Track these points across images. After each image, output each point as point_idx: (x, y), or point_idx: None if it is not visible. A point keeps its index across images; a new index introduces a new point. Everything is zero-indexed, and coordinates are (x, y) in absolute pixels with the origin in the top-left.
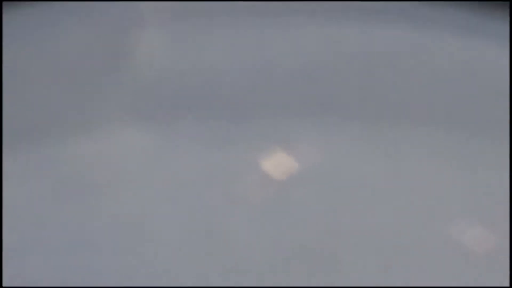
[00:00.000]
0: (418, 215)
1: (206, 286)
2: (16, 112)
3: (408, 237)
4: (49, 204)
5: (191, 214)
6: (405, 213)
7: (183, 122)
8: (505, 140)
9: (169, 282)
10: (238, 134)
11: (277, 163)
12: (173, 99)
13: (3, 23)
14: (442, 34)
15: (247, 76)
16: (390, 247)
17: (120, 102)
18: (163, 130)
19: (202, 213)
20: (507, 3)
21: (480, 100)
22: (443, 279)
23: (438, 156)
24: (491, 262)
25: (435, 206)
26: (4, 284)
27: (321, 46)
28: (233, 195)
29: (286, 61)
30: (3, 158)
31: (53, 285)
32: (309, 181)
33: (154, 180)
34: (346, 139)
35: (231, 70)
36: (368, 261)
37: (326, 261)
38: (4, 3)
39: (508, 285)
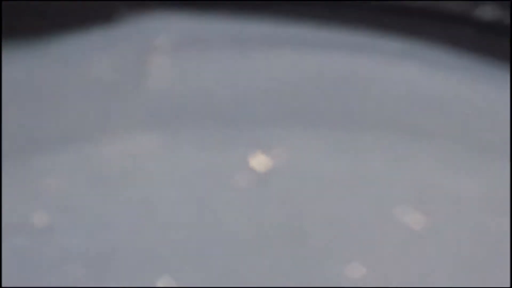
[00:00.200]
0: (372, 202)
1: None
2: (53, 120)
3: (363, 217)
4: (82, 193)
5: (193, 199)
6: (362, 200)
7: (187, 130)
8: (446, 142)
9: (173, 249)
10: (230, 139)
11: (260, 161)
12: (178, 112)
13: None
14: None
15: (237, 94)
16: (349, 224)
17: (138, 114)
18: (172, 135)
19: (201, 197)
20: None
21: (426, 110)
22: (389, 247)
23: (389, 156)
24: (425, 236)
25: (384, 195)
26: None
27: (299, 70)
28: (225, 185)
29: (268, 83)
30: (45, 157)
31: (83, 256)
32: (285, 175)
33: (164, 174)
34: (316, 143)
35: (224, 90)
36: (331, 234)
37: (297, 232)
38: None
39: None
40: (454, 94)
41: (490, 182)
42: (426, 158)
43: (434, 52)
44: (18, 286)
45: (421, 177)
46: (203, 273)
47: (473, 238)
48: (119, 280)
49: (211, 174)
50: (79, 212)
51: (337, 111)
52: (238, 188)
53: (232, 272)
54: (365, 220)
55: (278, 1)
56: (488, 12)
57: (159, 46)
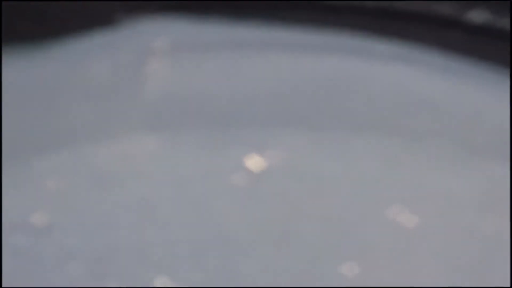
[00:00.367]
0: (366, 202)
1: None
2: (53, 121)
3: (357, 217)
4: (81, 193)
5: (190, 199)
6: (356, 200)
7: (184, 131)
8: (438, 143)
9: (171, 249)
10: (226, 141)
11: (256, 162)
12: (176, 114)
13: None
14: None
15: (233, 96)
16: (343, 224)
17: (136, 116)
18: (169, 137)
19: (198, 198)
20: None
21: (418, 112)
22: (383, 247)
23: (382, 158)
24: (419, 236)
25: (378, 195)
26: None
27: (293, 73)
28: (222, 185)
29: (264, 85)
30: (45, 158)
31: (82, 256)
32: (281, 176)
33: (161, 175)
34: (310, 144)
35: (221, 92)
36: (325, 234)
37: (293, 233)
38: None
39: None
40: (445, 96)
41: (482, 183)
42: (418, 159)
43: (426, 55)
44: (17, 286)
45: (414, 178)
46: (200, 272)
47: (466, 238)
48: (118, 279)
49: (208, 175)
50: (78, 213)
51: (330, 113)
52: (235, 189)
53: (228, 272)
54: (359, 220)
55: (273, 5)
56: (478, 16)
57: (157, 49)
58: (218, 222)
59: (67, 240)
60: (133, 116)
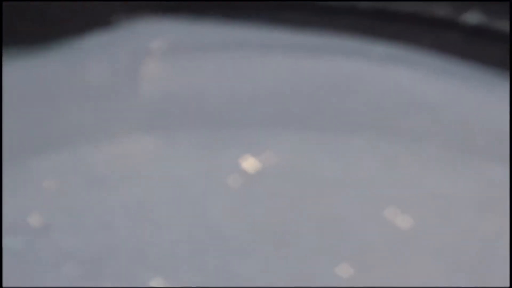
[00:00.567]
0: (362, 203)
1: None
2: (51, 122)
3: (353, 218)
4: (79, 194)
5: (186, 200)
6: (352, 201)
7: (181, 132)
8: (434, 144)
9: (168, 250)
10: (222, 142)
11: (252, 164)
12: (173, 115)
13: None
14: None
15: (229, 97)
16: (339, 225)
17: (134, 116)
18: (167, 138)
19: (194, 198)
20: None
21: (414, 113)
22: (379, 249)
23: (378, 159)
24: (415, 237)
25: (374, 197)
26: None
27: (290, 75)
28: (218, 186)
29: (260, 87)
30: (42, 158)
31: (79, 257)
32: (277, 177)
33: (158, 176)
34: (307, 145)
35: (217, 93)
36: (321, 235)
37: (289, 233)
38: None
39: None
40: (442, 98)
41: (480, 184)
42: (416, 160)
43: (423, 56)
44: (14, 287)
45: (412, 179)
46: (197, 273)
47: (465, 240)
48: (115, 280)
49: (205, 176)
50: (76, 213)
51: (328, 114)
52: (232, 190)
53: (225, 272)
54: (357, 221)
55: (271, 6)
56: (474, 17)
57: (155, 50)
58: (215, 222)
59: (65, 240)
60: (131, 116)
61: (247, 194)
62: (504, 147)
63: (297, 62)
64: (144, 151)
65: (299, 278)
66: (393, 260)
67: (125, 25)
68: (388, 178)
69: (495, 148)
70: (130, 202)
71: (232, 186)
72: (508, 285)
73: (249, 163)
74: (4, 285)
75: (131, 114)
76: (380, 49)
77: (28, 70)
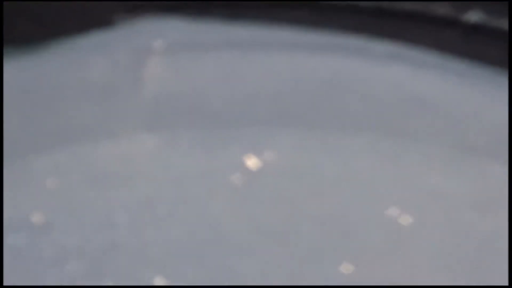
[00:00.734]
0: (363, 202)
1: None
2: (52, 121)
3: (354, 217)
4: (80, 192)
5: (189, 197)
6: (353, 200)
7: (182, 131)
8: (434, 143)
9: (170, 248)
10: (224, 140)
11: (254, 162)
12: (174, 114)
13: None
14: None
15: (231, 96)
16: (340, 223)
17: (135, 115)
18: (168, 137)
19: (196, 197)
20: None
21: (414, 112)
22: (380, 247)
23: (379, 157)
24: (415, 235)
25: (375, 195)
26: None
27: (290, 73)
28: (220, 185)
29: (261, 85)
30: (44, 157)
31: (81, 255)
32: (278, 175)
33: (160, 174)
34: (308, 144)
35: (218, 92)
36: (322, 233)
37: (290, 232)
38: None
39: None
40: (443, 96)
41: (480, 182)
42: (415, 158)
43: (422, 55)
44: (16, 285)
45: (411, 177)
46: (199, 271)
47: (465, 238)
48: (116, 278)
49: (206, 174)
50: (77, 212)
51: (328, 113)
52: (233, 188)
53: (226, 270)
54: (357, 219)
55: (271, 5)
56: (474, 16)
57: (155, 49)
58: (216, 221)
59: (66, 238)
60: (132, 115)
61: (248, 193)
62: (504, 145)
63: (297, 61)
64: (145, 150)
65: (300, 275)
66: (393, 258)
67: (125, 24)
68: (388, 176)
69: (495, 146)
70: (132, 201)
71: (232, 185)
72: (507, 283)
73: (250, 162)
74: (5, 282)
75: (132, 113)
76: (380, 47)
77: (29, 70)
